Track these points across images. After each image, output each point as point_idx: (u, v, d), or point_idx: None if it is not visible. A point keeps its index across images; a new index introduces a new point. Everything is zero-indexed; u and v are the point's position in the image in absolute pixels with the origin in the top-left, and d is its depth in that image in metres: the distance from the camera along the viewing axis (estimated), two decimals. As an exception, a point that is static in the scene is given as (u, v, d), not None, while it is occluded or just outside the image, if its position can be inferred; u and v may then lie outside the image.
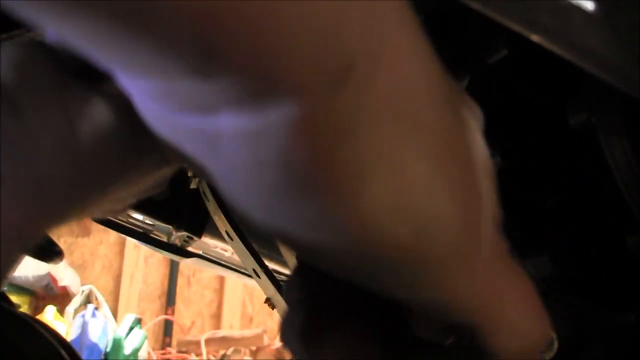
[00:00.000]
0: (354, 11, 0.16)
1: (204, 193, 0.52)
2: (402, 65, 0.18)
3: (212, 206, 0.51)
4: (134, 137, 0.26)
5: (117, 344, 2.65)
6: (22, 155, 0.23)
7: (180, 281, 3.16)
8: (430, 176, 0.19)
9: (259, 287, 0.53)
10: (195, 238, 0.66)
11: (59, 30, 0.17)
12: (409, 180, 0.19)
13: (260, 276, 0.51)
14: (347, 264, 0.21)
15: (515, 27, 0.27)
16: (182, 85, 0.17)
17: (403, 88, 0.18)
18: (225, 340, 2.96)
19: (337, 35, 0.16)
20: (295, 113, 0.17)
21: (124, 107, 0.25)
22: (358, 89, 0.17)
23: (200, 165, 0.20)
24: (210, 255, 0.85)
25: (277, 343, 2.94)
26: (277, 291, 0.50)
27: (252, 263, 0.51)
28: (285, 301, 0.26)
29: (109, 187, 0.27)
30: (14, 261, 0.24)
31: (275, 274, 0.51)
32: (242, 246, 0.50)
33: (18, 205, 0.23)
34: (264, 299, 0.54)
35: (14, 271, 0.57)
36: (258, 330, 2.99)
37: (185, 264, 2.47)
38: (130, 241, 2.36)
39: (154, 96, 0.18)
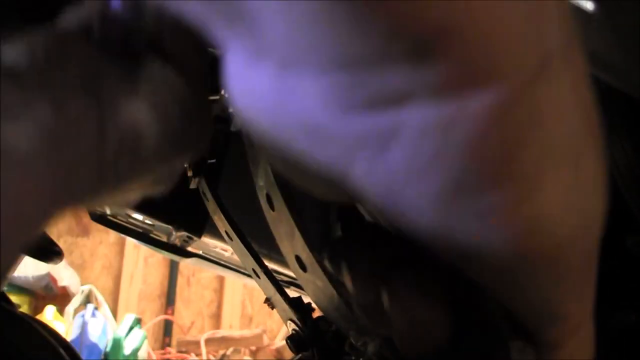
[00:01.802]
0: (552, 10, 0.18)
1: (203, 193, 0.52)
2: (579, 67, 0.20)
3: (211, 206, 0.51)
4: (164, 138, 0.26)
5: (116, 344, 2.65)
6: (53, 140, 0.23)
7: (180, 281, 3.16)
8: (595, 175, 0.21)
9: (258, 287, 0.53)
10: (195, 238, 0.66)
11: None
12: (582, 177, 0.20)
13: (260, 276, 0.51)
14: (494, 264, 0.21)
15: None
16: (381, 74, 0.17)
17: (580, 89, 0.20)
18: (225, 340, 2.96)
19: (539, 29, 0.17)
20: (495, 99, 0.17)
21: (160, 102, 0.25)
22: (550, 82, 0.18)
23: (336, 175, 0.20)
24: (210, 255, 0.85)
25: (277, 343, 2.94)
26: (276, 291, 0.50)
27: (251, 263, 0.50)
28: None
29: (123, 184, 0.27)
30: (31, 237, 0.24)
31: (274, 274, 0.51)
32: (242, 246, 0.50)
33: (40, 186, 0.23)
34: (263, 299, 0.54)
35: (14, 271, 0.57)
36: (258, 330, 2.99)
37: (185, 264, 2.47)
38: (130, 241, 2.36)
39: (329, 93, 0.18)
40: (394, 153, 0.18)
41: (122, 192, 0.28)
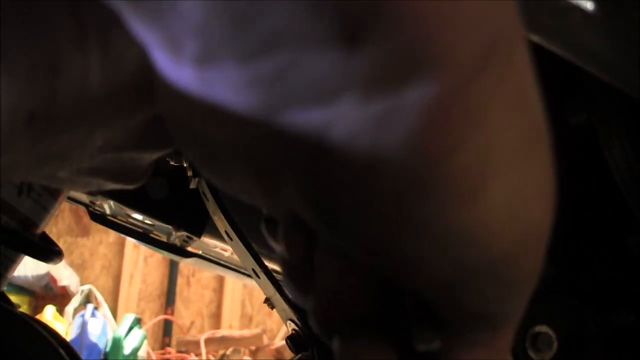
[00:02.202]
0: None
1: (203, 193, 0.52)
2: (525, 61, 0.17)
3: (211, 206, 0.51)
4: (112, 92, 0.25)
5: (116, 344, 2.65)
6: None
7: (180, 281, 3.16)
8: (543, 183, 0.19)
9: (258, 287, 0.53)
10: (195, 238, 0.66)
11: None
12: (528, 185, 0.18)
13: (260, 276, 0.51)
14: (433, 276, 0.19)
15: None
16: (307, 64, 0.15)
17: (524, 87, 0.17)
18: (224, 340, 2.96)
19: (486, 14, 0.15)
20: (435, 92, 0.15)
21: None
22: (493, 75, 0.16)
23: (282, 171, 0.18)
24: (210, 255, 0.85)
25: (277, 343, 2.94)
26: (276, 291, 0.50)
27: (251, 263, 0.50)
28: None
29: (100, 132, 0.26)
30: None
31: (274, 274, 0.51)
32: (242, 246, 0.50)
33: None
34: (263, 299, 0.54)
35: (13, 271, 0.57)
36: (257, 330, 2.99)
37: (184, 263, 2.47)
38: (130, 241, 2.36)
39: (253, 89, 0.16)
40: (326, 150, 0.17)
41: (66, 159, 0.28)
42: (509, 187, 0.17)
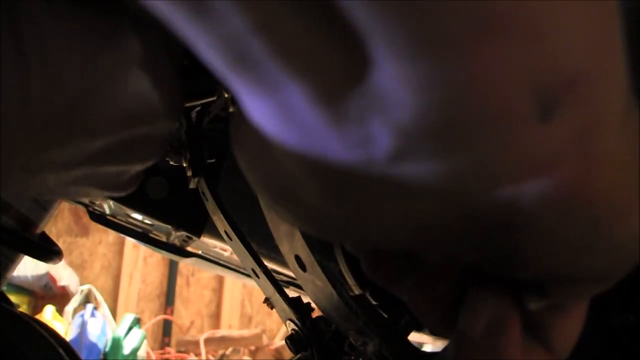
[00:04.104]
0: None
1: (203, 193, 0.52)
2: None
3: (211, 206, 0.51)
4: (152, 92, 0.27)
5: (116, 344, 2.65)
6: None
7: (180, 281, 3.16)
8: None
9: (258, 287, 0.53)
10: (195, 238, 0.66)
11: None
12: None
13: (259, 276, 0.51)
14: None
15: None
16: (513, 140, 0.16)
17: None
18: (224, 340, 2.96)
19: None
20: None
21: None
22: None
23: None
24: (210, 255, 0.85)
25: (276, 343, 2.94)
26: (276, 291, 0.50)
27: (251, 263, 0.50)
28: None
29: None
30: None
31: (274, 274, 0.51)
32: (241, 246, 0.50)
33: None
34: (263, 299, 0.54)
35: (13, 271, 0.56)
36: (257, 330, 2.99)
37: (184, 263, 2.47)
38: (130, 241, 2.36)
39: (458, 174, 0.17)
40: (516, 227, 0.19)
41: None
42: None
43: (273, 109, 0.17)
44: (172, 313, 3.10)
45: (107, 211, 0.72)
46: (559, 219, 0.18)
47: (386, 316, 0.51)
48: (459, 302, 0.25)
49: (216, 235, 0.61)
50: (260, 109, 0.18)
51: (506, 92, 0.15)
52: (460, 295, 0.25)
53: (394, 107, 0.15)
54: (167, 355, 2.95)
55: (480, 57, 0.14)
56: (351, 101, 0.16)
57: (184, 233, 0.65)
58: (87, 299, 2.84)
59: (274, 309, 0.52)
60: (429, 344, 0.88)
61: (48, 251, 0.57)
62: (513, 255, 0.21)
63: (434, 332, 0.28)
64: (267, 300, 0.53)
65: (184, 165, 0.53)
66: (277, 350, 2.88)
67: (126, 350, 2.66)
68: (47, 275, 2.73)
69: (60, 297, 2.81)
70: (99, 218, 0.72)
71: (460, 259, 0.23)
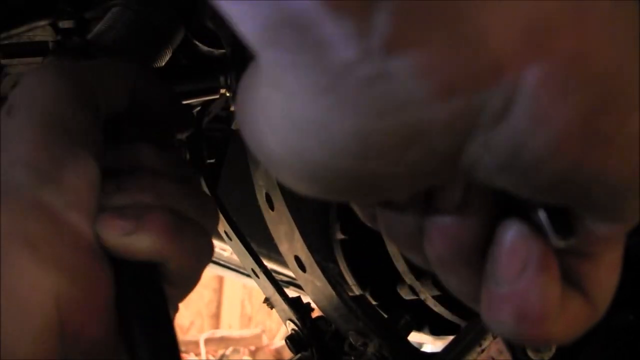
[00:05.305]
0: None
1: (203, 193, 0.52)
2: None
3: (211, 206, 0.51)
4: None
5: (116, 344, 2.65)
6: None
7: (179, 281, 3.16)
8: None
9: (257, 287, 0.53)
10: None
11: None
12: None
13: (259, 276, 0.51)
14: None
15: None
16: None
17: None
18: (224, 340, 2.96)
19: None
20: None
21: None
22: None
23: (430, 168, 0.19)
24: (209, 255, 0.85)
25: (276, 343, 2.94)
26: (276, 291, 0.50)
27: (250, 263, 0.50)
28: None
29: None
30: None
31: (274, 274, 0.51)
32: (241, 246, 0.50)
33: None
34: (262, 299, 0.54)
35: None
36: (257, 330, 2.99)
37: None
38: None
39: (432, 76, 0.17)
40: (514, 113, 0.18)
41: None
42: None
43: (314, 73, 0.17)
44: (172, 313, 3.10)
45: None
46: (562, 93, 0.18)
47: (386, 316, 0.51)
48: (486, 245, 0.24)
49: (216, 235, 0.61)
50: (301, 79, 0.18)
51: None
52: (486, 238, 0.24)
53: None
54: (167, 355, 2.95)
55: None
56: None
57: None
58: (87, 299, 2.84)
59: (274, 309, 0.52)
60: (429, 344, 0.88)
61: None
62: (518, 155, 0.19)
63: (455, 290, 0.27)
64: (267, 300, 0.53)
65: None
66: (277, 351, 2.88)
67: (126, 350, 2.66)
68: (47, 275, 2.73)
69: (60, 297, 2.81)
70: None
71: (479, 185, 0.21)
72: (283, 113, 0.19)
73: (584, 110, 0.18)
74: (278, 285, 0.50)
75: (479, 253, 0.24)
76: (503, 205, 0.23)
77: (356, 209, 0.27)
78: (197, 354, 2.90)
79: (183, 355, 2.88)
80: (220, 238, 0.51)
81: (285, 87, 0.19)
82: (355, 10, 0.16)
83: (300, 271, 0.45)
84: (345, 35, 0.17)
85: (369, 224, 0.27)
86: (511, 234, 0.23)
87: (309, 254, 0.44)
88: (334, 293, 0.45)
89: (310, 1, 0.16)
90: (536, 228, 0.23)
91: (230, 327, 3.13)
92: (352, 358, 0.46)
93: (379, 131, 0.18)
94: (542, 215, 0.22)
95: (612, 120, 0.18)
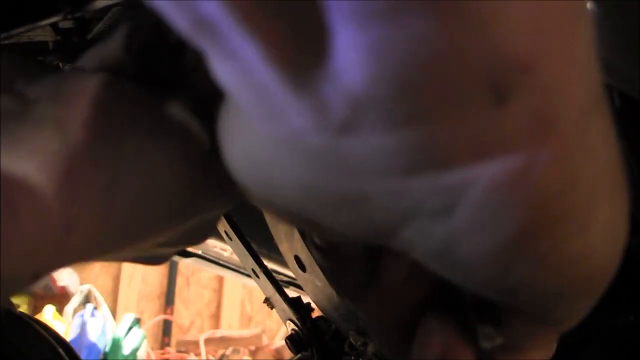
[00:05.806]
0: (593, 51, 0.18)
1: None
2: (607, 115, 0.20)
3: (211, 206, 0.51)
4: (199, 185, 0.26)
5: (116, 344, 2.65)
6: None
7: (180, 281, 3.16)
8: (623, 207, 0.21)
9: (258, 287, 0.53)
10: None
11: None
12: (615, 210, 0.21)
13: (259, 276, 0.51)
14: (539, 292, 0.21)
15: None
16: (458, 125, 0.16)
17: (608, 128, 0.20)
18: (224, 340, 2.96)
19: (590, 69, 0.18)
20: (562, 146, 0.17)
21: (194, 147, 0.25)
22: (597, 121, 0.18)
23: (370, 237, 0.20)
24: (209, 255, 0.85)
25: (276, 343, 2.94)
26: (276, 291, 0.50)
27: (251, 263, 0.50)
28: None
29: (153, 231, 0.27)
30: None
31: (274, 274, 0.51)
32: (241, 246, 0.50)
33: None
34: (263, 299, 0.54)
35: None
36: (257, 330, 2.99)
37: (184, 263, 2.47)
38: (129, 241, 2.36)
39: (394, 155, 0.17)
40: (459, 211, 0.17)
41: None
42: (606, 212, 0.20)
43: (234, 70, 0.17)
44: (172, 313, 3.10)
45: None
46: (506, 207, 0.17)
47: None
48: (414, 328, 0.25)
49: (216, 235, 0.61)
50: (224, 72, 0.18)
51: (459, 72, 0.15)
52: (416, 321, 0.25)
53: (347, 76, 0.15)
54: (167, 355, 2.94)
55: (434, 29, 0.14)
56: (307, 68, 0.16)
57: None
58: (87, 299, 2.84)
59: (274, 309, 0.52)
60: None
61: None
62: (451, 248, 0.19)
63: (390, 353, 0.28)
64: (267, 300, 0.53)
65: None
66: (277, 351, 2.88)
67: (126, 350, 2.66)
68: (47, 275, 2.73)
69: (60, 297, 2.80)
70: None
71: (419, 276, 0.23)
72: (244, 151, 0.21)
73: (524, 227, 0.18)
74: (278, 285, 0.50)
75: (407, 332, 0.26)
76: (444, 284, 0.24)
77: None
78: (197, 354, 2.90)
79: (183, 355, 2.87)
80: (221, 238, 0.51)
81: (244, 127, 0.20)
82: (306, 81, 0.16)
83: (300, 271, 0.45)
84: (300, 107, 0.17)
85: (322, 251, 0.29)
86: (429, 330, 0.25)
87: (309, 254, 0.44)
88: (334, 293, 0.45)
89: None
90: (464, 322, 0.24)
91: (230, 327, 3.13)
92: (352, 358, 0.46)
93: (320, 188, 0.19)
94: (472, 313, 0.24)
95: (548, 242, 0.19)
